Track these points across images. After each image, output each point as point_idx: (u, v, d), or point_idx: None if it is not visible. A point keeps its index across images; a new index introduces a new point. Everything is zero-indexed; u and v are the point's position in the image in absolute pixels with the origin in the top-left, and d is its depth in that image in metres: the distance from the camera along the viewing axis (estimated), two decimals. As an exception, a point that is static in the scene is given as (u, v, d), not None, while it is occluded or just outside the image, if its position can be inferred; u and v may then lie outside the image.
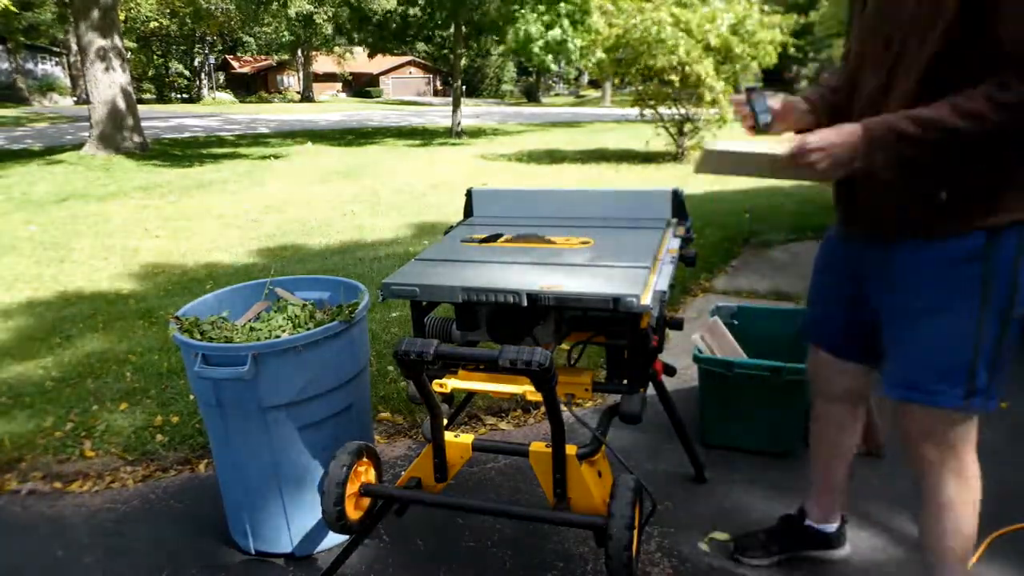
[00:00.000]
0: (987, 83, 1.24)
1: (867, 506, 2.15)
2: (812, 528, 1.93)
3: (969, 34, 1.26)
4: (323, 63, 44.79)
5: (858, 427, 1.85)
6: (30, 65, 35.30)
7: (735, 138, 1.62)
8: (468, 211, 2.20)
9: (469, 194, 2.21)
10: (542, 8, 15.18)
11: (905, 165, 1.34)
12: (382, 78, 50.12)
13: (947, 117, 1.26)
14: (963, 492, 1.53)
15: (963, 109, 1.25)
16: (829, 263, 1.71)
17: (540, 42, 15.43)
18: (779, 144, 1.41)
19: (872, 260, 1.53)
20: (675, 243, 1.81)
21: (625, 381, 1.66)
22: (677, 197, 1.99)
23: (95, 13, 11.22)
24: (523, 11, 15.10)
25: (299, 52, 39.10)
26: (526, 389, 1.53)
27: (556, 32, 15.32)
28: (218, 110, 29.72)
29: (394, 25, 17.40)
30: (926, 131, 1.28)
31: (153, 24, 34.70)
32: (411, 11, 16.80)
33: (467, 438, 1.67)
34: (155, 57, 40.81)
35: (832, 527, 1.94)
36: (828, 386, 1.79)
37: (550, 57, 15.82)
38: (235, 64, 47.41)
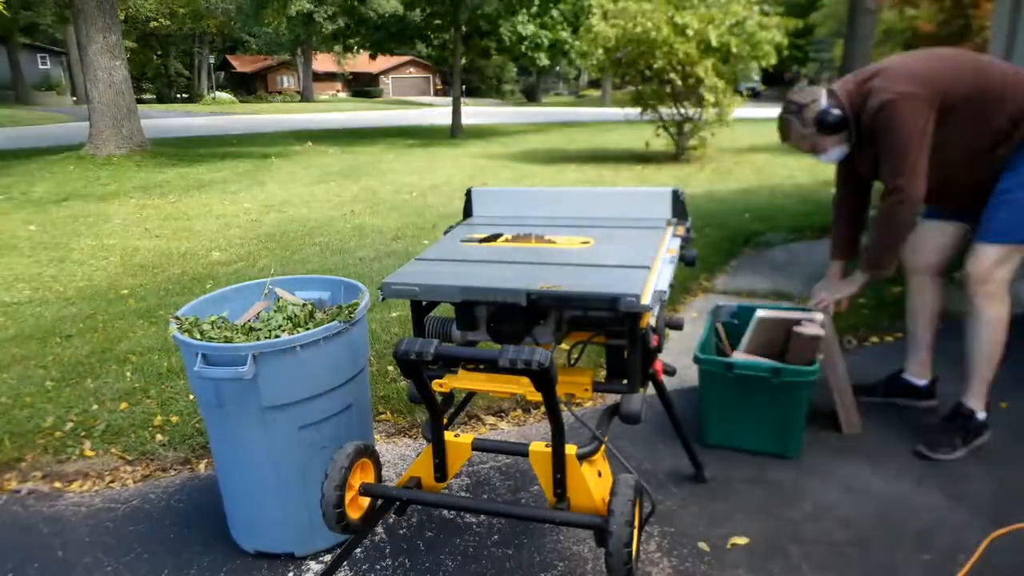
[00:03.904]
0: None
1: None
2: (907, 380, 2.67)
3: None
4: (323, 62, 44.78)
5: (942, 295, 2.54)
6: (30, 64, 35.31)
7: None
8: (468, 211, 2.20)
9: (469, 194, 2.21)
10: (535, 11, 15.23)
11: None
12: (382, 78, 50.10)
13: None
14: (999, 312, 2.27)
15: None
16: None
17: (528, 43, 15.50)
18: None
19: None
20: (675, 243, 1.81)
21: (625, 381, 1.66)
22: (677, 197, 1.99)
23: (94, 12, 11.22)
24: (517, 14, 15.15)
25: (299, 51, 39.07)
26: (526, 389, 1.53)
27: (550, 33, 15.39)
28: (218, 109, 29.72)
29: (393, 28, 17.39)
30: (879, 247, 2.32)
31: (153, 24, 34.69)
32: (411, 14, 16.78)
33: (467, 438, 1.66)
34: (155, 57, 40.84)
35: (924, 381, 2.65)
36: (926, 257, 2.50)
37: (542, 55, 15.85)
38: (235, 64, 47.41)
